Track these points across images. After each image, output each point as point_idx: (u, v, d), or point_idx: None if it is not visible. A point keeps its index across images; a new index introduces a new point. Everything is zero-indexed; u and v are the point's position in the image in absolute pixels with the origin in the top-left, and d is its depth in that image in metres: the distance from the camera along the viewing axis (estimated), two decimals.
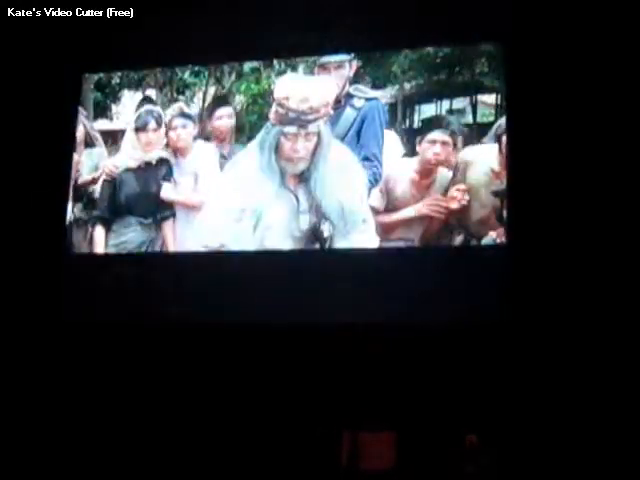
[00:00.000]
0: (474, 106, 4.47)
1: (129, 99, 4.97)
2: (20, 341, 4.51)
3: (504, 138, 4.24)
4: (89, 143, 4.86)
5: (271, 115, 4.49)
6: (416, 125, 4.53)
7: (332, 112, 4.42)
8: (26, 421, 4.37)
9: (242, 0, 4.63)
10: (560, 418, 3.81)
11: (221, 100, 4.78)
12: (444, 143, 4.34)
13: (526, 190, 4.10)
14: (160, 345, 4.34)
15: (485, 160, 4.29)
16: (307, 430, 4.06)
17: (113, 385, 4.36)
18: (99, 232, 4.70)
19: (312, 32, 4.51)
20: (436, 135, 4.35)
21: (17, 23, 4.79)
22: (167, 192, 4.65)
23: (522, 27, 4.22)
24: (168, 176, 4.66)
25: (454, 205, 4.28)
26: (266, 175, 4.44)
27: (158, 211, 4.64)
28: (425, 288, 4.12)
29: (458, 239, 4.29)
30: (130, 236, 4.65)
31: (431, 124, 4.42)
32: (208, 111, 4.77)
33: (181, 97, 4.87)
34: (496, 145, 4.28)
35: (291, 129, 4.41)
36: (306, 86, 4.50)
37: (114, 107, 4.96)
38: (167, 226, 4.63)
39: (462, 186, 4.27)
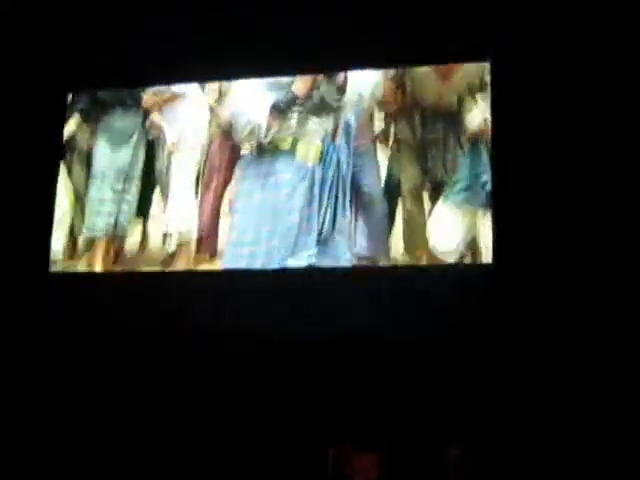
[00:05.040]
0: None
1: None
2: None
3: None
4: None
5: None
6: None
7: None
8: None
9: (225, 20, 4.69)
10: (543, 429, 3.84)
11: None
12: None
13: (511, 206, 4.14)
14: (145, 359, 4.44)
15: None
16: (294, 445, 4.09)
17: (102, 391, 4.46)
18: None
19: (292, 51, 4.56)
20: None
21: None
22: None
23: (508, 45, 4.26)
24: None
25: None
26: None
27: None
28: (408, 304, 4.19)
29: None
30: None
31: None
32: None
33: None
34: None
35: None
36: None
37: None
38: None
39: None
